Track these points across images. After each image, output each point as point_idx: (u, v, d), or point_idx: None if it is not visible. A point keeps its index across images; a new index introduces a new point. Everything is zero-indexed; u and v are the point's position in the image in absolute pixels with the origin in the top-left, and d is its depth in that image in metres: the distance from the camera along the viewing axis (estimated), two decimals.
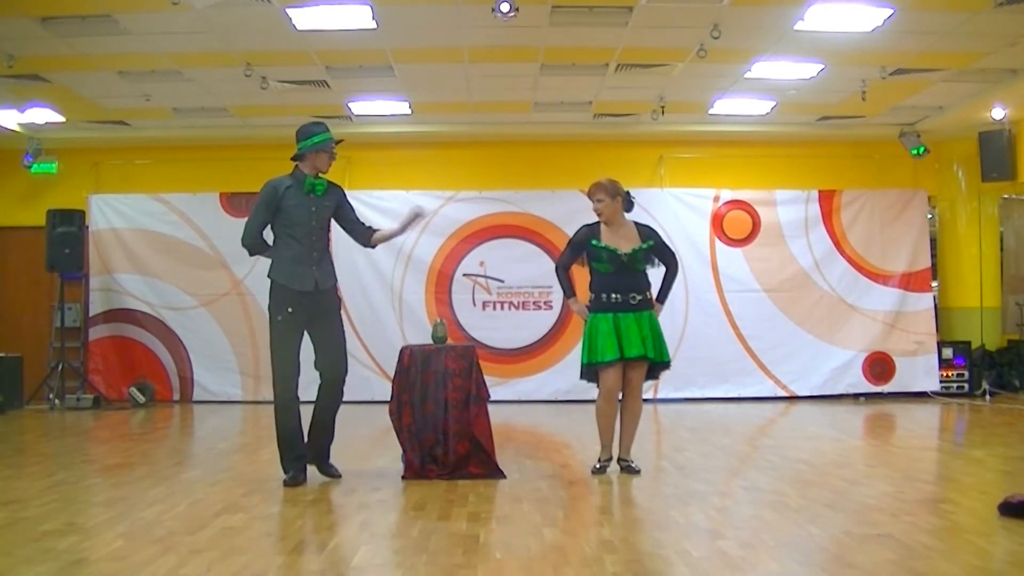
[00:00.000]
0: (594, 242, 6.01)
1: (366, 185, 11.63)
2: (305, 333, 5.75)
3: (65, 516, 4.60)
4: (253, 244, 5.89)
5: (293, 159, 5.98)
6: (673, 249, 6.30)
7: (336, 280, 5.99)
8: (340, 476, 5.89)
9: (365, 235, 6.11)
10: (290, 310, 5.65)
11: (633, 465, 6.05)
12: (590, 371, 6.03)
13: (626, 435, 6.10)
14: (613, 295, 5.92)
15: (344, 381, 5.87)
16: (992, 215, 12.08)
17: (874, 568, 3.72)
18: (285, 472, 5.73)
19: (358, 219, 6.17)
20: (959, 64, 9.03)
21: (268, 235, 5.91)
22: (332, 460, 5.95)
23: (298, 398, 5.72)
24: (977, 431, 8.88)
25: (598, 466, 6.02)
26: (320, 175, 5.97)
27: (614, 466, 6.08)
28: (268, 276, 5.84)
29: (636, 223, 6.16)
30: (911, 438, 8.65)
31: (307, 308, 5.70)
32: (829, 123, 11.36)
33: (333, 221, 6.04)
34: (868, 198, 11.54)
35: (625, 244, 6.01)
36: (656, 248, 6.10)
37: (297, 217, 5.81)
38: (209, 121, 11.05)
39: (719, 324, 11.28)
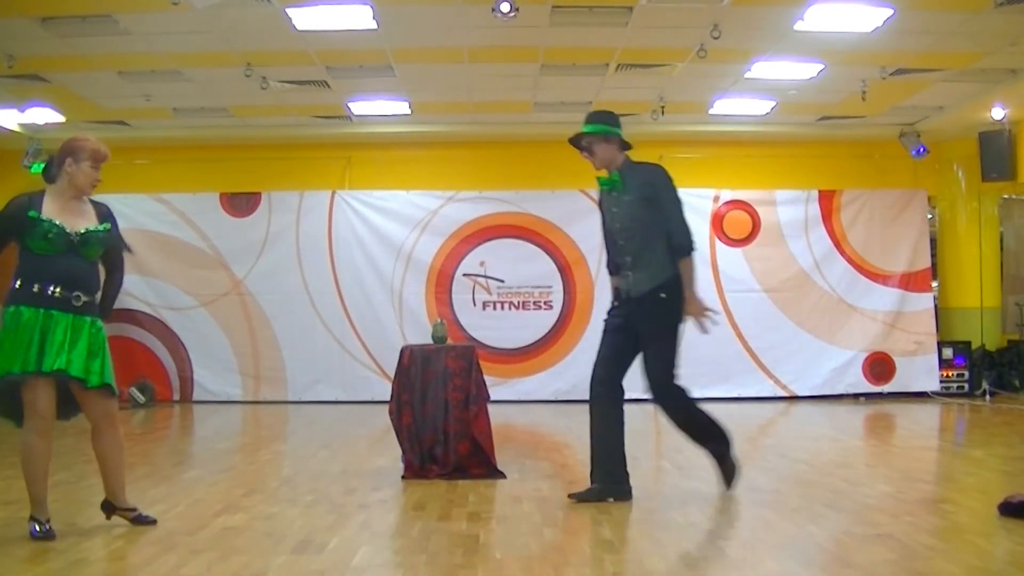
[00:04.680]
0: (32, 213, 4.31)
1: (366, 185, 11.67)
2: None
3: (65, 516, 4.60)
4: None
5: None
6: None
7: (655, 286, 5.10)
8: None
9: (671, 239, 5.11)
10: (614, 315, 5.29)
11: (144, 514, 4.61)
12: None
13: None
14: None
15: (662, 398, 5.27)
16: (992, 215, 12.08)
17: (874, 568, 3.71)
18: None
19: (672, 214, 5.13)
20: (959, 64, 9.03)
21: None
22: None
23: (595, 403, 5.21)
24: (977, 431, 8.87)
25: (38, 530, 4.25)
26: (610, 169, 5.19)
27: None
28: None
29: (92, 201, 4.57)
30: (911, 438, 8.65)
31: (627, 318, 5.22)
32: (829, 123, 11.36)
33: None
34: (868, 198, 11.53)
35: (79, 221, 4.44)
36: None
37: (606, 222, 5.32)
38: (209, 121, 11.05)
39: (719, 324, 11.24)
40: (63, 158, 4.44)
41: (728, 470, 5.43)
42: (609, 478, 5.16)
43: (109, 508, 4.56)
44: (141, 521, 4.54)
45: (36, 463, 4.29)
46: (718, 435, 5.42)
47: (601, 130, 5.17)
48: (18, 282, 4.31)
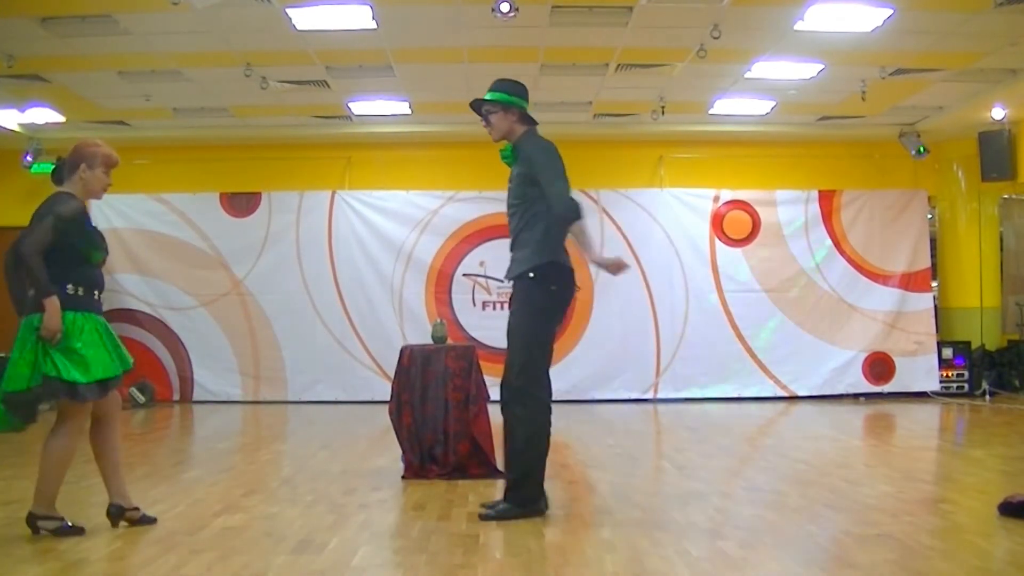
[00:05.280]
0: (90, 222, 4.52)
1: (366, 185, 11.67)
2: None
3: (65, 516, 4.59)
4: None
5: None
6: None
7: (525, 268, 4.71)
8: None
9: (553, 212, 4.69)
10: None
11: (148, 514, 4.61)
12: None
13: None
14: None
15: (505, 393, 4.70)
16: (992, 215, 12.08)
17: (874, 568, 3.72)
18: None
19: (547, 184, 4.73)
20: (959, 64, 9.03)
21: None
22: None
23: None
24: (977, 431, 8.87)
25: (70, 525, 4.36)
26: (509, 141, 4.99)
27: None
28: None
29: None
30: (911, 438, 8.65)
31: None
32: (829, 123, 11.36)
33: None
34: (868, 198, 11.54)
35: None
36: None
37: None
38: (209, 121, 11.06)
39: (719, 324, 11.28)
40: (76, 163, 4.48)
41: (505, 512, 4.65)
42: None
43: (118, 512, 4.50)
44: (142, 521, 4.54)
45: (67, 464, 4.39)
46: (531, 485, 4.67)
47: (501, 98, 4.89)
48: (80, 289, 4.33)
